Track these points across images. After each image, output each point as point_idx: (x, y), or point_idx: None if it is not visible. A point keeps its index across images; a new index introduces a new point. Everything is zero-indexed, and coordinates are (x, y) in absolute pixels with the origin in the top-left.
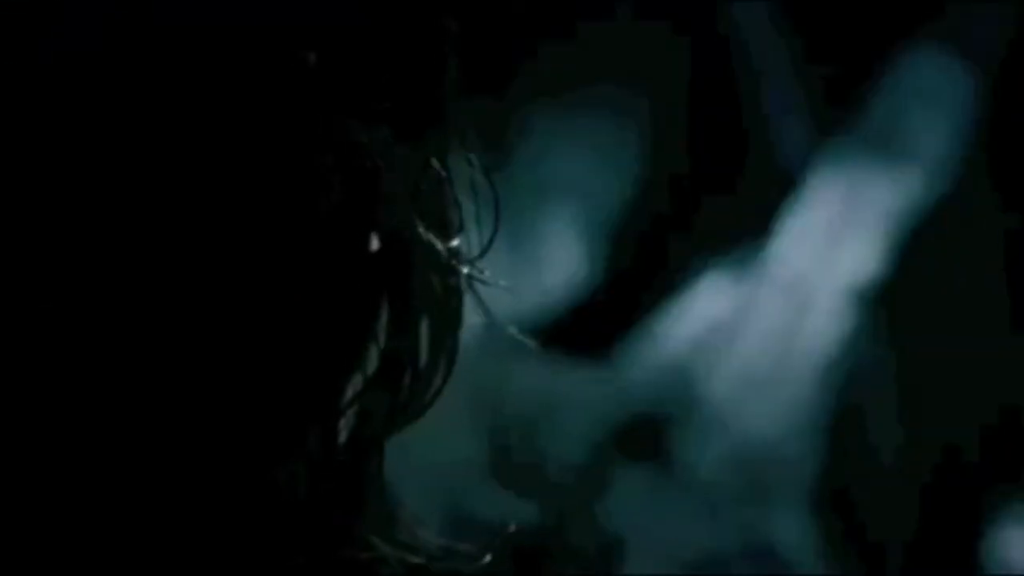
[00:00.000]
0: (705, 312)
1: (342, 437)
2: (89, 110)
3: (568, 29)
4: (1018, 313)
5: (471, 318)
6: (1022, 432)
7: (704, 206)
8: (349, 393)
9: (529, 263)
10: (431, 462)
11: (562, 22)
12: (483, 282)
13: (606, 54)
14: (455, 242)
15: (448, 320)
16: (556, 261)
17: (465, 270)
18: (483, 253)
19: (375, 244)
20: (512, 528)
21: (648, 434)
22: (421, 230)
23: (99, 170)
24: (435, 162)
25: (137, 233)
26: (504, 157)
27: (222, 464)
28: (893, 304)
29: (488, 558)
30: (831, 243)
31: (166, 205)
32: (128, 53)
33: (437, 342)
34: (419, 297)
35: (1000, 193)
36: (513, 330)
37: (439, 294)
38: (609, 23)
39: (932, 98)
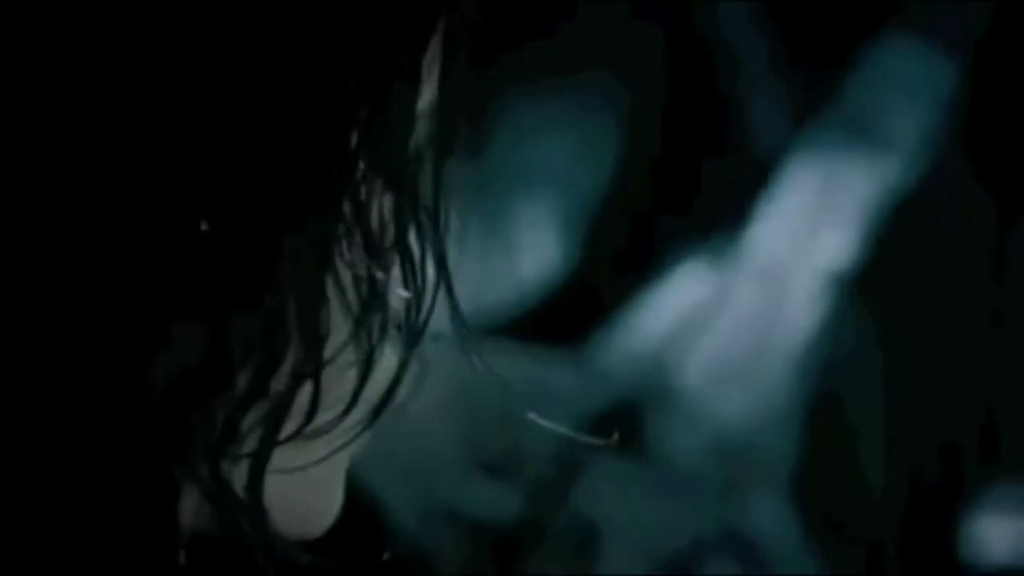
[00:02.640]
0: (682, 300)
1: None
2: None
3: (549, 21)
4: (997, 299)
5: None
6: (1003, 420)
7: (680, 194)
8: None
9: (504, 251)
10: (407, 453)
11: (541, 14)
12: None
13: (585, 43)
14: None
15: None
16: (531, 249)
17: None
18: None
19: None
20: (489, 519)
21: (625, 423)
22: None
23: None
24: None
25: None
26: (480, 146)
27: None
28: (870, 291)
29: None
30: (808, 230)
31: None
32: None
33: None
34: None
35: (977, 180)
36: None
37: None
38: (588, 14)
39: (908, 85)
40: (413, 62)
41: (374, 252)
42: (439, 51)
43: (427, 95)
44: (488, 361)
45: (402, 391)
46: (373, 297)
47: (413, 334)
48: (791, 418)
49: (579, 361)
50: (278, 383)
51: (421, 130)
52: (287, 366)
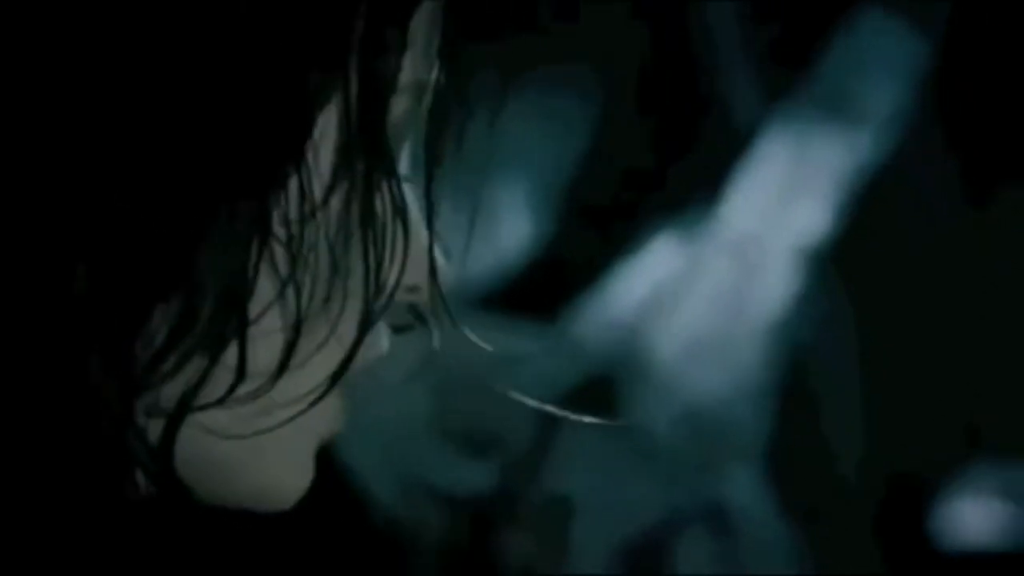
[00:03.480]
0: (655, 273)
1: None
2: None
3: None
4: (971, 271)
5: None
6: (981, 396)
7: (654, 167)
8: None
9: (480, 226)
10: (381, 424)
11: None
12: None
13: (559, 21)
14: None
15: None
16: (507, 224)
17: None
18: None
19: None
20: (463, 493)
21: (599, 396)
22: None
23: None
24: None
25: None
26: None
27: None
28: (843, 264)
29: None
30: (781, 204)
31: None
32: None
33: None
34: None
35: (949, 153)
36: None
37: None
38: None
39: (881, 58)
40: (375, 34)
41: (307, 216)
42: (431, 24)
43: (414, 68)
44: (463, 333)
45: (361, 363)
46: (300, 260)
47: (372, 306)
48: (765, 392)
49: (553, 334)
50: (203, 344)
51: (401, 102)
52: (210, 326)
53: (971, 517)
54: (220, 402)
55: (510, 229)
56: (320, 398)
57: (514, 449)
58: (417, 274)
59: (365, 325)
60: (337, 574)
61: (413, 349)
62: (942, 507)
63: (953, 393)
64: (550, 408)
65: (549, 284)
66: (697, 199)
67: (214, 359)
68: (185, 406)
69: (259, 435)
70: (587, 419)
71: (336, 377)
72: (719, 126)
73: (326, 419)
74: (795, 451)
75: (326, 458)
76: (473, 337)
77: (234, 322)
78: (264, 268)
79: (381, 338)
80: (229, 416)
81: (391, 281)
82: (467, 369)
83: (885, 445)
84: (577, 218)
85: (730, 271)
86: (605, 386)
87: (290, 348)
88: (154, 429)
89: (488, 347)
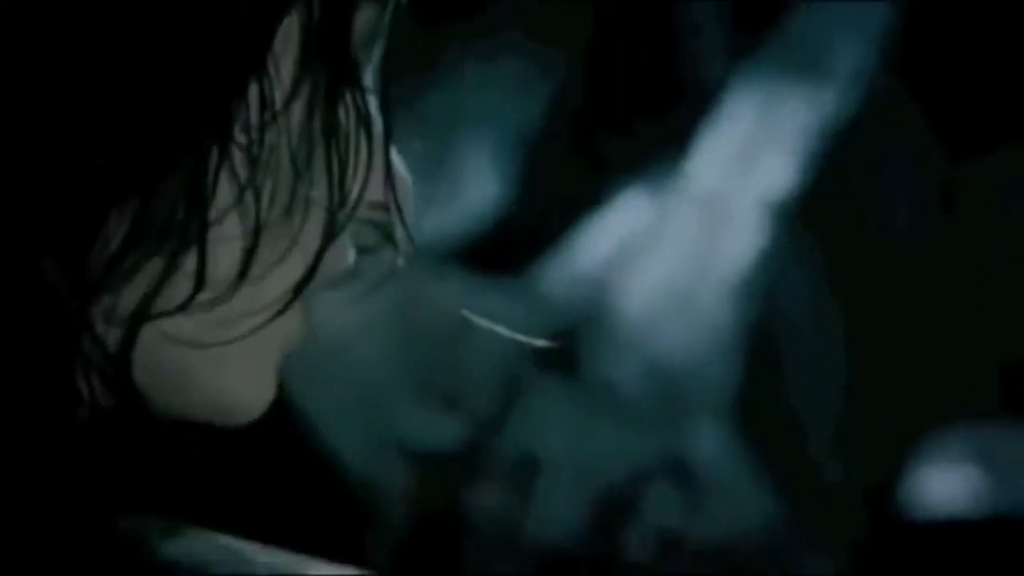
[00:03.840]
0: (622, 229)
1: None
2: None
3: None
4: (937, 225)
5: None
6: (948, 352)
7: (621, 124)
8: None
9: (447, 184)
10: (349, 378)
11: None
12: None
13: None
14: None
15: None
16: (474, 181)
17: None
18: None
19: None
20: (431, 448)
21: (565, 350)
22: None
23: None
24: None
25: None
26: (423, 86)
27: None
28: (809, 219)
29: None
30: (747, 160)
31: None
32: None
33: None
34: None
35: (914, 108)
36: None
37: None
38: None
39: (847, 15)
40: None
41: (268, 122)
42: None
43: None
44: (432, 287)
45: (325, 278)
46: (260, 166)
47: (335, 217)
48: (731, 347)
49: (520, 290)
50: (161, 247)
51: (367, 13)
52: (169, 229)
53: (943, 484)
54: (180, 309)
55: (477, 187)
56: (283, 309)
57: (481, 404)
58: (381, 190)
59: (328, 236)
60: (302, 527)
61: (382, 304)
62: (913, 473)
63: (923, 348)
64: (517, 363)
65: (516, 240)
66: (664, 155)
67: (172, 263)
68: (144, 311)
69: (221, 345)
70: (554, 374)
71: (299, 288)
72: (686, 83)
73: (289, 333)
74: (762, 405)
75: (293, 415)
76: (440, 292)
77: (194, 226)
78: (225, 175)
79: (346, 253)
80: (190, 324)
81: (354, 193)
82: (435, 325)
83: (853, 399)
84: (543, 175)
85: (697, 227)
86: (572, 341)
87: (249, 254)
88: (114, 337)
89: (455, 303)
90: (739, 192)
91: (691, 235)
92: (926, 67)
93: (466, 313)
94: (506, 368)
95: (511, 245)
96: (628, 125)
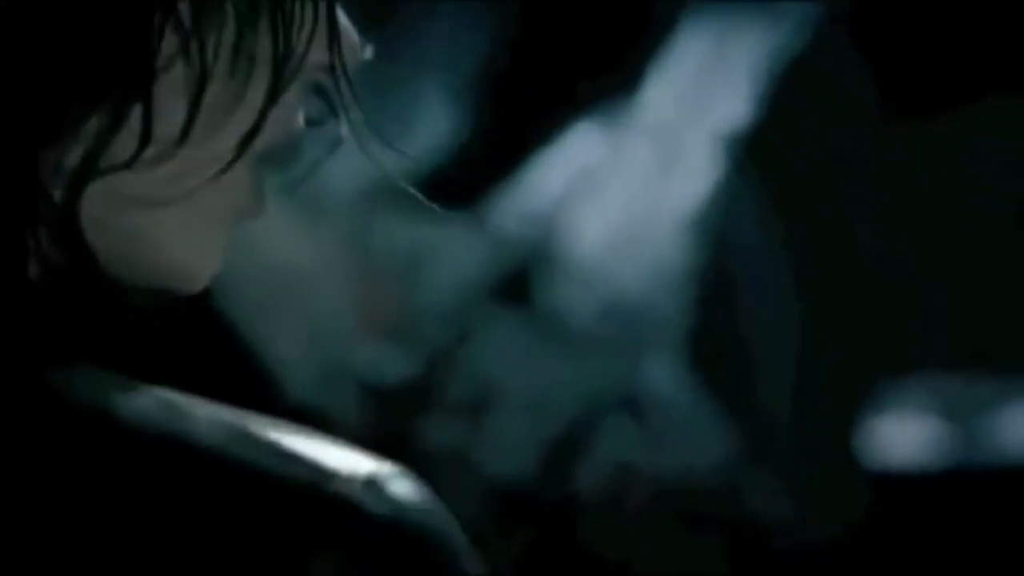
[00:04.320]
0: (575, 163)
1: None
2: None
3: None
4: (886, 159)
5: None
6: (902, 289)
7: (573, 57)
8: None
9: (401, 121)
10: (304, 312)
11: None
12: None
13: None
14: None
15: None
16: (426, 117)
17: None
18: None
19: None
20: (384, 381)
21: (519, 285)
22: None
23: None
24: None
25: None
26: (376, 28)
27: None
28: (762, 153)
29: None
30: (700, 95)
31: None
32: None
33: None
34: None
35: (865, 41)
36: (392, 180)
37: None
38: None
39: None
40: None
41: None
42: None
43: None
44: (385, 221)
45: (274, 139)
46: (203, 16)
47: (281, 72)
48: (684, 281)
49: (474, 224)
50: (106, 99)
51: None
52: (113, 81)
53: (899, 433)
54: (126, 165)
55: (428, 122)
56: (228, 165)
57: (434, 338)
58: (327, 52)
59: (272, 93)
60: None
61: (335, 238)
62: (868, 420)
63: (877, 287)
64: (471, 297)
65: (469, 175)
66: (617, 90)
67: (118, 116)
68: (89, 166)
69: (169, 205)
70: (507, 308)
71: (245, 143)
72: (639, 18)
73: (238, 202)
74: (716, 341)
75: (244, 346)
76: (393, 228)
77: (139, 76)
78: (170, 29)
79: (294, 117)
80: (138, 182)
81: (300, 49)
82: (389, 259)
83: (806, 332)
84: (494, 110)
85: (650, 160)
86: (526, 275)
87: (195, 107)
88: (62, 193)
89: (409, 238)
90: (692, 127)
91: (644, 169)
92: (876, 5)
93: (420, 247)
94: (459, 302)
95: (464, 180)
96: (580, 60)
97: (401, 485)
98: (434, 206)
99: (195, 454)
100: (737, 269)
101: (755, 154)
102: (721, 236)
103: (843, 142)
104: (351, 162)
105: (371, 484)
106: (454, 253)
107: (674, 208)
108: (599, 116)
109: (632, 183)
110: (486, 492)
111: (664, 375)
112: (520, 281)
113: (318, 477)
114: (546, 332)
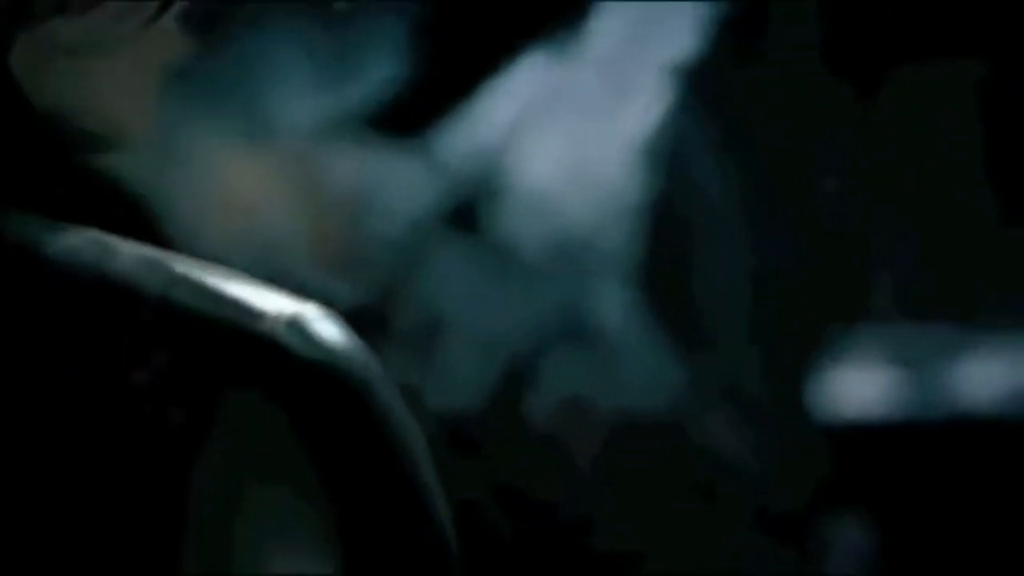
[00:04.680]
0: (522, 93)
1: None
2: None
3: None
4: (844, 91)
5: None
6: (859, 231)
7: None
8: None
9: (346, 55)
10: (253, 242)
11: None
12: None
13: None
14: None
15: None
16: (372, 49)
17: None
18: None
19: None
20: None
21: (467, 216)
22: None
23: None
24: None
25: None
26: None
27: None
28: (711, 82)
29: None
30: (648, 22)
31: None
32: None
33: None
34: None
35: None
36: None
37: None
38: None
39: None
40: None
41: None
42: None
43: None
44: (333, 152)
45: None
46: None
47: None
48: (634, 211)
49: (421, 156)
50: None
51: None
52: None
53: (853, 380)
54: (57, 10)
55: (375, 54)
56: (158, 15)
57: (382, 268)
58: None
59: None
60: None
61: (285, 169)
62: (824, 369)
63: (832, 230)
64: (420, 227)
65: (416, 106)
66: (564, 19)
67: None
68: (20, 11)
69: (100, 54)
70: (456, 239)
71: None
72: None
73: (167, 50)
74: (665, 272)
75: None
76: (341, 160)
77: None
78: None
79: None
80: (68, 30)
81: None
82: (337, 188)
83: (757, 268)
84: (442, 40)
85: (598, 90)
86: (475, 206)
87: None
88: None
89: (357, 169)
90: (641, 58)
91: (593, 99)
92: None
93: (369, 178)
94: (408, 233)
95: (411, 110)
96: None
97: (325, 326)
98: (383, 137)
99: (122, 292)
100: (687, 200)
101: (704, 85)
102: (671, 168)
103: (797, 75)
104: (302, 95)
105: (295, 324)
106: (403, 184)
107: (624, 139)
108: (548, 47)
109: (581, 112)
110: (433, 423)
111: (614, 306)
112: (469, 212)
113: (243, 316)
114: (495, 262)
